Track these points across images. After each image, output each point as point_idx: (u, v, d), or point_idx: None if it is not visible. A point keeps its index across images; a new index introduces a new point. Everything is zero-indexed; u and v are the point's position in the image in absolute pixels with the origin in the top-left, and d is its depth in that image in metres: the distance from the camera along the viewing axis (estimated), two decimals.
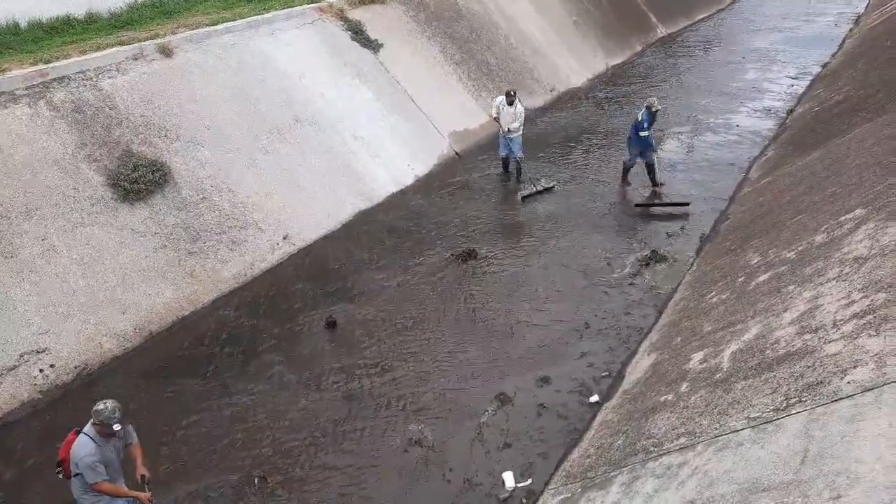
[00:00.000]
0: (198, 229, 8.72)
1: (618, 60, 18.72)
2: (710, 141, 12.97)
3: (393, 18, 13.81)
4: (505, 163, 11.78)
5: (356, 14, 13.07)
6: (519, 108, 11.02)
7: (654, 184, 10.94)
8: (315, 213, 9.96)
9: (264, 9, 12.20)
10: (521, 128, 11.17)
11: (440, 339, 7.50)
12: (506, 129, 11.09)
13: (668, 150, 12.70)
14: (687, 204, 10.26)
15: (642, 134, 10.47)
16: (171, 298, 8.06)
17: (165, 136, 9.13)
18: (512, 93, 11.11)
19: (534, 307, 7.97)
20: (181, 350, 7.54)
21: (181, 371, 7.18)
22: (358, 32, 12.75)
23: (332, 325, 7.79)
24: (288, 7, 12.37)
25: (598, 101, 15.74)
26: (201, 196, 9.00)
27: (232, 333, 7.77)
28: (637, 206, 10.42)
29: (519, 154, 11.39)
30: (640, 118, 10.49)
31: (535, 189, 10.97)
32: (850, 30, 20.36)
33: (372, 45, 12.83)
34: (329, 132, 11.07)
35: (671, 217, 10.06)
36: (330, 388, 6.86)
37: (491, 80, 14.64)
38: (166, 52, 9.83)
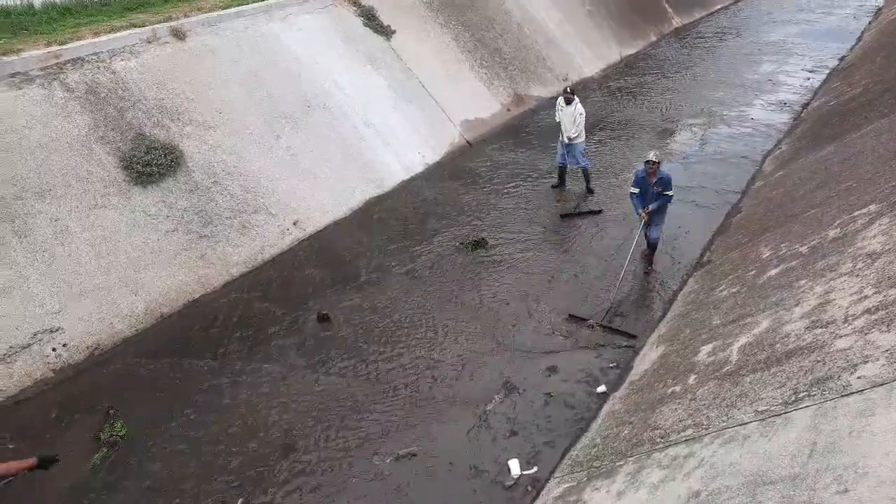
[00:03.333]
0: (209, 213, 8.77)
1: (632, 51, 18.55)
2: (724, 133, 12.87)
3: (406, 4, 13.73)
4: (561, 173, 10.69)
5: (369, 0, 13.01)
6: (579, 108, 9.98)
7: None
8: (325, 199, 9.98)
9: None
10: (583, 133, 10.17)
11: (448, 326, 7.53)
12: (565, 136, 10.15)
13: (681, 141, 12.61)
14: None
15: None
16: (182, 281, 8.12)
17: (178, 119, 9.15)
18: (569, 90, 10.17)
19: (545, 297, 7.97)
20: (191, 332, 7.61)
21: (191, 353, 7.25)
22: (371, 18, 12.70)
23: (324, 318, 7.68)
24: None
25: (611, 90, 15.62)
26: (213, 180, 9.03)
27: (242, 317, 7.83)
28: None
29: (583, 163, 10.40)
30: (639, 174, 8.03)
31: (579, 210, 10.07)
32: (870, 23, 20.06)
33: (385, 32, 12.77)
34: (341, 118, 11.06)
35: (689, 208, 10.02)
36: (337, 372, 6.91)
37: (503, 69, 14.56)
38: (179, 35, 9.83)
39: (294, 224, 9.43)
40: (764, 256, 6.84)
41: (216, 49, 10.21)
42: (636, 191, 7.99)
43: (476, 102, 13.43)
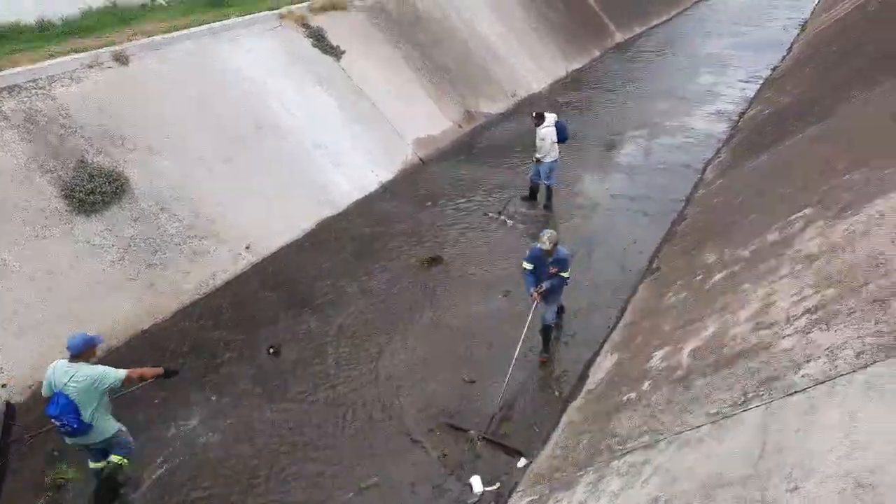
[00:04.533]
0: (157, 241, 8.54)
1: (577, 65, 19.04)
2: (667, 144, 13.31)
3: (355, 25, 13.79)
4: (532, 189, 10.92)
5: (317, 21, 13.01)
6: (541, 131, 10.15)
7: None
8: (278, 222, 9.86)
9: (224, 16, 12.05)
10: (550, 153, 10.24)
11: (404, 346, 7.50)
12: (535, 156, 10.39)
13: (627, 153, 12.98)
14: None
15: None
16: (129, 312, 7.87)
17: (122, 145, 8.92)
18: (535, 114, 10.42)
19: (500, 312, 8.04)
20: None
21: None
22: (319, 39, 12.70)
23: (274, 353, 7.45)
24: (248, 14, 12.24)
25: (558, 105, 15.98)
26: (160, 206, 8.82)
27: (193, 346, 7.63)
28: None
29: (549, 181, 10.57)
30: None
31: (501, 212, 10.51)
32: (798, 35, 21.12)
33: (334, 52, 12.78)
34: (291, 140, 10.98)
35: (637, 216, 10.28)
36: (294, 398, 6.79)
37: (453, 87, 14.73)
38: (122, 59, 9.61)
39: (246, 248, 9.28)
40: (709, 262, 7.07)
41: (162, 73, 10.02)
42: (529, 267, 6.90)
43: (427, 120, 13.54)
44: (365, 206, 10.95)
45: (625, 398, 5.34)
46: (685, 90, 16.68)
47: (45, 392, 5.20)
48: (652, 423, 4.63)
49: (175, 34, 10.66)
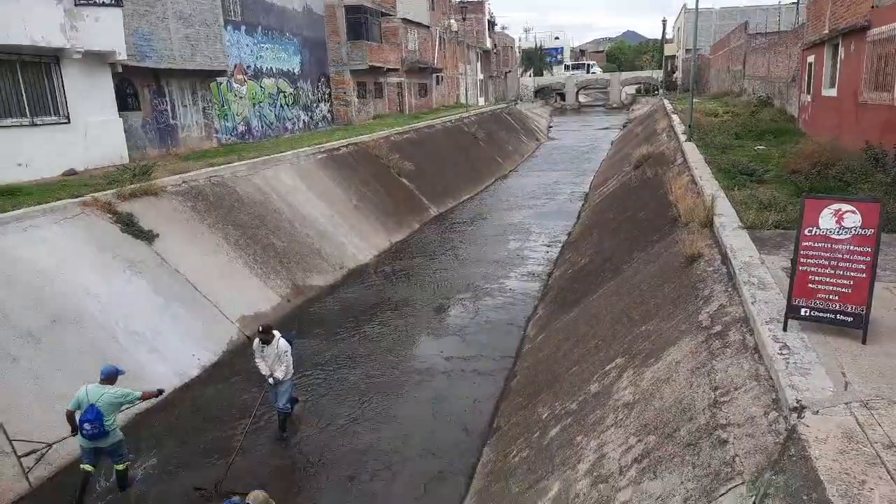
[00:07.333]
0: None
1: (399, 237, 20.19)
2: (490, 304, 14.20)
3: (168, 209, 13.49)
4: (281, 421, 8.82)
5: (127, 207, 12.52)
6: (282, 344, 8.53)
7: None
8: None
9: (15, 206, 11.13)
10: (290, 371, 8.67)
11: None
12: (268, 377, 8.52)
13: (456, 315, 13.58)
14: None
15: None
16: None
17: None
18: (262, 328, 8.59)
19: None
20: None
21: None
22: (129, 224, 12.14)
23: None
24: (45, 203, 11.44)
25: (385, 274, 16.57)
26: None
27: None
28: None
29: (285, 408, 8.79)
30: None
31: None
32: (583, 204, 24.68)
33: (146, 237, 12.24)
34: (96, 330, 9.93)
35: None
36: None
37: (279, 263, 14.69)
38: None
39: (38, 461, 7.80)
40: (543, 417, 7.35)
41: None
42: None
43: (254, 297, 13.16)
44: (188, 393, 9.98)
45: None
46: (498, 255, 18.29)
47: (71, 407, 7.19)
48: None
49: None
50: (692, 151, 17.39)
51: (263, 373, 8.54)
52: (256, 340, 8.65)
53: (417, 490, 7.59)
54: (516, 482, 6.35)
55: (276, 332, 8.65)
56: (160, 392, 8.08)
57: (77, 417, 7.13)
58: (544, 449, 6.51)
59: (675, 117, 28.79)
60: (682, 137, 20.61)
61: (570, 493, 5.10)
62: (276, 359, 8.50)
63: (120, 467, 7.56)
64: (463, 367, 11.04)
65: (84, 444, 7.22)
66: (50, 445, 7.55)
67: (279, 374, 8.50)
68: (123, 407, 7.38)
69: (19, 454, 7.47)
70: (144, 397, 7.71)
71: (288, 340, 8.77)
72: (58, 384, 8.80)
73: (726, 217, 9.52)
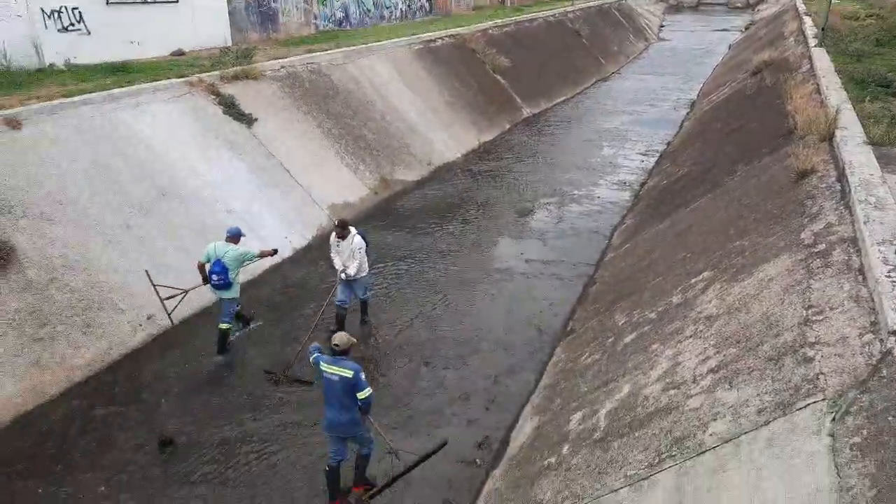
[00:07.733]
0: (46, 313, 7.86)
1: (489, 137, 19.82)
2: (576, 211, 13.91)
3: (268, 94, 13.79)
4: (339, 317, 8.70)
5: (229, 89, 12.91)
6: (357, 241, 8.43)
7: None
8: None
9: (128, 82, 11.73)
10: (364, 266, 8.62)
11: None
12: (340, 272, 8.47)
13: (539, 219, 13.44)
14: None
15: None
16: (11, 392, 7.10)
17: (10, 212, 8.29)
18: (338, 223, 8.67)
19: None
20: (23, 449, 6.59)
21: (22, 473, 6.26)
22: (231, 106, 12.56)
23: (167, 443, 6.72)
24: (154, 81, 11.98)
25: (472, 173, 16.46)
26: (51, 276, 8.17)
27: (82, 429, 6.93)
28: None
29: (365, 296, 9.05)
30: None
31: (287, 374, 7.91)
32: (687, 114, 23.09)
33: (246, 119, 12.66)
34: (199, 206, 10.61)
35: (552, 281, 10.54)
36: (199, 481, 6.27)
37: (369, 155, 14.89)
38: (14, 124, 9.07)
39: (148, 319, 8.70)
40: (620, 323, 7.30)
41: (58, 138, 9.51)
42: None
43: (343, 187, 13.53)
44: (279, 272, 10.64)
45: (546, 463, 5.28)
46: (590, 161, 17.66)
47: (202, 259, 8.08)
48: (573, 487, 4.58)
49: (73, 99, 10.23)
50: (822, 58, 15.59)
51: (337, 267, 8.53)
52: (333, 234, 8.64)
53: (488, 381, 7.89)
54: (586, 382, 6.44)
55: (352, 229, 8.58)
56: (275, 251, 8.67)
57: (207, 269, 7.97)
58: (618, 354, 6.52)
59: (806, 20, 25.69)
60: (812, 42, 18.46)
61: (640, 395, 5.13)
62: (350, 255, 8.40)
63: (223, 326, 8.23)
64: (542, 270, 11.04)
65: (218, 293, 8.16)
66: (186, 292, 8.34)
67: (351, 271, 8.40)
68: (245, 262, 8.13)
69: (163, 297, 8.19)
70: (262, 255, 8.37)
71: (363, 237, 8.64)
72: (164, 252, 9.58)
73: (850, 131, 8.62)
